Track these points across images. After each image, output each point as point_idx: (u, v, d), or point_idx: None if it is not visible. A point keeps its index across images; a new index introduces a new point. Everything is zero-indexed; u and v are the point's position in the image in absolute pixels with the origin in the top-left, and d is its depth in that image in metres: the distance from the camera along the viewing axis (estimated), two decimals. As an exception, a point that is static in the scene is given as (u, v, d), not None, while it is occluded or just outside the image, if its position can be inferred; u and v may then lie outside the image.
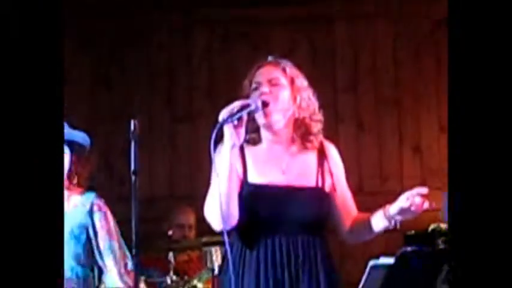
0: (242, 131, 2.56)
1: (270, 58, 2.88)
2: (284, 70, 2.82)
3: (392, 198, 2.64)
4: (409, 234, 4.59)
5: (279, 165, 2.75)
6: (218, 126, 2.53)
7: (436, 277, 2.66)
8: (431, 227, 4.54)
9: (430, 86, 5.55)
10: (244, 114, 2.55)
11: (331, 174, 2.80)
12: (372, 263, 2.57)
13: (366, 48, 5.66)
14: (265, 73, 2.79)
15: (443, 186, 2.84)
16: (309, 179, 2.77)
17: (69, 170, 3.30)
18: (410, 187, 2.69)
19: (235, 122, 2.51)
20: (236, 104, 2.55)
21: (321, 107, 2.78)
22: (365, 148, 5.50)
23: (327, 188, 2.77)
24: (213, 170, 2.67)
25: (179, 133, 5.47)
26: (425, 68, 5.61)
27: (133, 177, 2.71)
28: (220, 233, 2.63)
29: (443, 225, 4.49)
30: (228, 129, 2.51)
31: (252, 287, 2.68)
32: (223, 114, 2.51)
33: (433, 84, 5.52)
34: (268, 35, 5.55)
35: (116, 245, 3.32)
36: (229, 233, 2.60)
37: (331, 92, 5.43)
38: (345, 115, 5.54)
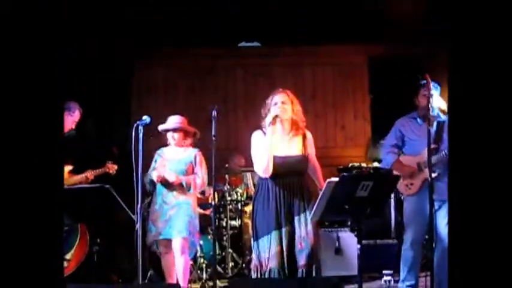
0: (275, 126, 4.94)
1: (280, 89, 5.11)
2: (288, 95, 5.07)
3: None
4: (339, 168, 7.45)
5: (285, 144, 4.98)
6: (267, 124, 4.87)
7: (358, 186, 4.31)
8: (350, 164, 7.62)
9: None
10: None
11: (308, 149, 5.00)
12: (327, 180, 4.33)
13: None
14: (278, 97, 5.01)
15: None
16: (298, 151, 5.00)
17: (184, 138, 6.08)
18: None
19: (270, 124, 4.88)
20: (270, 117, 4.89)
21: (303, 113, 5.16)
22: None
23: (306, 155, 5.00)
24: (258, 145, 4.91)
25: (229, 120, 8.79)
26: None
27: (213, 138, 5.21)
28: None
29: (356, 164, 7.61)
30: (269, 127, 4.88)
31: (274, 201, 4.86)
32: (267, 121, 4.88)
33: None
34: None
35: (203, 170, 6.04)
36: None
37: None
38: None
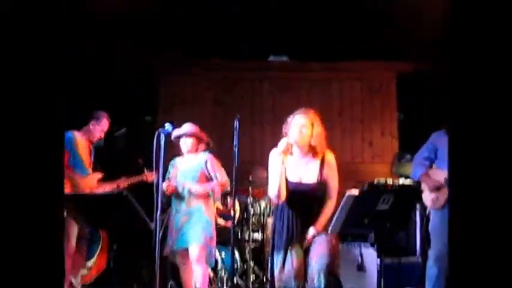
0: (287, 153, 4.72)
1: (303, 109, 4.82)
2: (309, 118, 4.75)
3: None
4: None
5: (300, 169, 4.74)
6: (280, 150, 4.65)
7: (379, 200, 4.30)
8: (376, 180, 7.37)
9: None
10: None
11: (324, 174, 4.70)
12: (347, 193, 4.31)
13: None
14: (299, 119, 4.74)
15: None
16: (313, 177, 4.73)
17: (197, 145, 6.07)
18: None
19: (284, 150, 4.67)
20: (284, 142, 4.64)
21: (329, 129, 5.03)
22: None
23: (322, 181, 4.70)
24: (272, 167, 4.70)
25: (254, 133, 8.79)
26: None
27: (235, 149, 5.00)
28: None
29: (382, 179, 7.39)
30: (280, 155, 4.66)
31: (286, 225, 4.68)
32: (281, 146, 4.64)
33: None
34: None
35: (219, 175, 5.97)
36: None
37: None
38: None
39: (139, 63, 8.92)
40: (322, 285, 4.49)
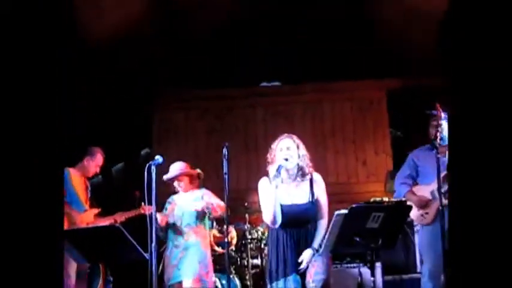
0: (279, 178, 4.70)
1: (285, 134, 4.95)
2: (294, 141, 4.89)
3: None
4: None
5: (291, 192, 4.79)
6: (273, 177, 4.65)
7: (368, 218, 4.29)
8: (372, 199, 7.40)
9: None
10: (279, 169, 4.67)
11: (315, 194, 4.77)
12: (336, 212, 4.30)
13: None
14: (284, 143, 4.86)
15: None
16: (305, 198, 4.80)
17: (190, 182, 6.14)
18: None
19: (276, 175, 4.65)
20: (274, 167, 4.68)
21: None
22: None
23: (314, 201, 4.78)
24: (265, 195, 4.74)
25: (249, 159, 8.82)
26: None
27: (225, 176, 4.94)
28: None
29: (378, 198, 7.44)
30: (274, 180, 4.66)
31: (282, 250, 4.70)
32: (271, 172, 4.72)
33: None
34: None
35: (217, 199, 6.00)
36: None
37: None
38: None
39: (133, 97, 9.00)
40: None
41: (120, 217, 6.41)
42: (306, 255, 4.71)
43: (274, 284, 4.76)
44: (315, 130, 9.11)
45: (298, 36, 8.68)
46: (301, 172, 4.89)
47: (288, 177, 4.88)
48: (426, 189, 5.63)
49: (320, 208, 4.86)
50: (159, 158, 5.35)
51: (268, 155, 4.96)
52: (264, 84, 9.62)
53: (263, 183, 4.89)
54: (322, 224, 4.77)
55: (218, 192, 6.08)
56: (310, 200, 4.85)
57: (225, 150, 5.05)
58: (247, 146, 8.99)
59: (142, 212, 6.41)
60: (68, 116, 3.18)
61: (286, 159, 4.81)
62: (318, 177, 4.94)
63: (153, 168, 5.23)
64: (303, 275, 4.72)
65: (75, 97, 6.78)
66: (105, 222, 6.28)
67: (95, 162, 6.53)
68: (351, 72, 8.83)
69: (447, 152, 5.38)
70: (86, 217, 6.20)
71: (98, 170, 6.62)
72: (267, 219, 4.81)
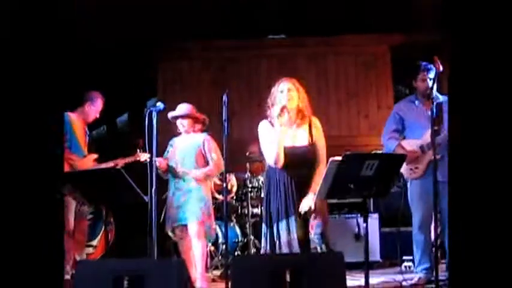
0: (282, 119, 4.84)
1: (285, 78, 5.04)
2: (294, 83, 5.00)
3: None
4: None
5: (291, 135, 4.89)
6: (277, 116, 4.76)
7: (362, 166, 4.36)
8: (373, 152, 7.27)
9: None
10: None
11: (314, 137, 4.88)
12: (331, 159, 4.36)
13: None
14: (284, 85, 4.98)
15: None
16: (304, 140, 4.92)
17: (193, 125, 6.18)
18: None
19: (279, 115, 4.80)
20: (278, 108, 4.80)
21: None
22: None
23: (313, 143, 4.90)
24: (267, 136, 4.89)
25: (252, 110, 8.77)
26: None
27: (225, 124, 5.11)
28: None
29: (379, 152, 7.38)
30: (277, 120, 4.80)
31: (283, 191, 4.84)
32: (274, 112, 4.81)
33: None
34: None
35: (215, 155, 6.08)
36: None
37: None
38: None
39: (138, 48, 9.02)
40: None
41: (121, 162, 6.48)
42: (306, 201, 4.81)
43: (275, 225, 4.87)
44: (319, 83, 9.13)
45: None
46: (300, 114, 4.98)
47: (287, 120, 4.94)
48: (415, 144, 5.69)
49: (318, 152, 4.96)
50: (160, 104, 5.43)
51: (269, 99, 5.04)
52: (271, 36, 9.61)
53: (264, 126, 5.00)
54: (321, 169, 4.83)
55: (220, 141, 6.12)
56: (310, 142, 4.95)
57: (225, 98, 5.15)
58: (251, 97, 9.01)
59: (137, 158, 6.51)
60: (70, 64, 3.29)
61: (287, 102, 4.90)
62: (316, 121, 5.03)
63: (154, 114, 5.32)
64: (305, 222, 4.83)
65: (79, 48, 6.87)
66: (105, 166, 6.37)
67: (95, 107, 6.54)
68: (356, 26, 8.81)
69: (433, 106, 5.44)
70: (86, 162, 6.26)
71: (97, 115, 6.63)
72: (271, 159, 4.89)
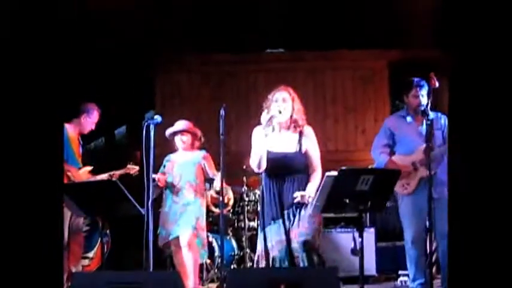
0: (270, 127, 4.94)
1: (282, 86, 5.10)
2: (289, 93, 5.04)
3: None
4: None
5: (281, 141, 4.98)
6: (264, 125, 4.85)
7: (358, 180, 4.38)
8: (370, 166, 7.28)
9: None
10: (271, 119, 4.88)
11: (303, 145, 4.95)
12: (326, 174, 4.42)
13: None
14: (279, 94, 5.01)
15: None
16: (293, 148, 4.99)
17: (192, 142, 6.20)
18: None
19: (267, 124, 4.87)
20: (268, 115, 4.87)
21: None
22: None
23: (302, 151, 4.97)
24: (255, 141, 4.96)
25: (250, 124, 8.81)
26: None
27: (221, 137, 5.20)
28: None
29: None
30: (264, 128, 4.88)
31: (268, 195, 4.98)
32: (263, 119, 4.87)
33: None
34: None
35: (214, 172, 6.14)
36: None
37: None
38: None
39: (136, 60, 9.05)
40: (306, 260, 4.79)
41: (114, 175, 6.50)
42: (301, 192, 4.88)
43: (266, 229, 4.99)
44: (316, 97, 9.18)
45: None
46: (294, 124, 5.05)
47: (279, 128, 5.05)
48: (407, 160, 5.64)
49: (311, 160, 5.04)
50: (158, 117, 5.47)
51: (264, 104, 5.12)
52: (269, 51, 9.66)
53: (255, 131, 5.08)
54: (316, 175, 4.97)
55: (217, 155, 6.15)
56: (298, 150, 5.01)
57: (222, 112, 5.23)
58: (249, 111, 9.00)
59: (128, 171, 6.55)
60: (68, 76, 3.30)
61: (280, 112, 4.96)
62: (308, 130, 5.09)
63: (152, 127, 5.35)
64: (286, 227, 4.91)
65: (78, 61, 6.92)
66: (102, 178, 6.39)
67: (91, 119, 6.59)
68: (354, 41, 8.86)
69: (424, 122, 5.45)
70: (82, 174, 6.30)
71: (93, 127, 6.66)
72: (253, 164, 5.01)
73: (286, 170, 4.99)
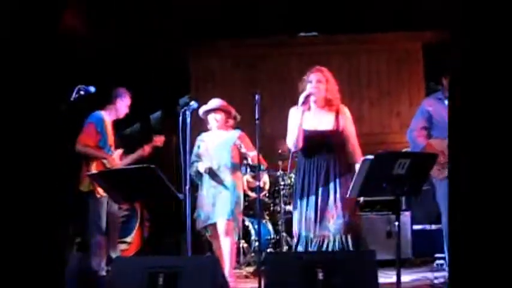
0: (307, 105, 5.17)
1: (316, 67, 5.27)
2: (324, 74, 5.22)
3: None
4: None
5: (317, 119, 5.16)
6: (300, 104, 5.06)
7: (394, 164, 4.36)
8: (404, 150, 7.26)
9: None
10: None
11: (341, 124, 5.13)
12: (362, 158, 4.53)
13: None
14: (314, 76, 5.19)
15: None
16: (329, 125, 5.17)
17: (226, 120, 6.18)
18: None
19: (303, 103, 5.09)
20: (304, 94, 5.08)
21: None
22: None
23: (338, 129, 5.14)
24: (291, 120, 5.19)
25: (284, 108, 8.85)
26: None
27: (257, 122, 5.22)
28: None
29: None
30: (300, 107, 5.09)
31: (302, 173, 5.15)
32: (300, 99, 5.09)
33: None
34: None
35: (252, 150, 6.09)
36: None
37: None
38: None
39: (171, 45, 9.10)
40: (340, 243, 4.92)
41: (145, 150, 6.63)
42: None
43: (296, 210, 5.20)
44: (351, 81, 9.12)
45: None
46: (328, 103, 5.23)
47: (315, 108, 5.23)
48: (442, 144, 5.42)
49: (348, 137, 5.21)
50: (194, 104, 5.50)
51: (300, 85, 5.26)
52: (302, 34, 9.63)
53: (292, 111, 5.28)
54: (355, 152, 5.16)
55: (253, 138, 6.15)
56: (334, 128, 5.18)
57: (257, 97, 5.27)
58: (282, 94, 8.99)
59: (156, 143, 6.60)
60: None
61: (315, 92, 5.14)
62: (345, 110, 5.27)
63: (188, 113, 5.40)
64: (318, 205, 5.04)
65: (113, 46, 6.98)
66: (134, 156, 6.59)
67: (125, 102, 6.65)
68: (389, 23, 8.79)
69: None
70: (114, 158, 6.40)
71: (128, 110, 6.73)
72: (289, 142, 5.22)
73: (323, 147, 5.14)
